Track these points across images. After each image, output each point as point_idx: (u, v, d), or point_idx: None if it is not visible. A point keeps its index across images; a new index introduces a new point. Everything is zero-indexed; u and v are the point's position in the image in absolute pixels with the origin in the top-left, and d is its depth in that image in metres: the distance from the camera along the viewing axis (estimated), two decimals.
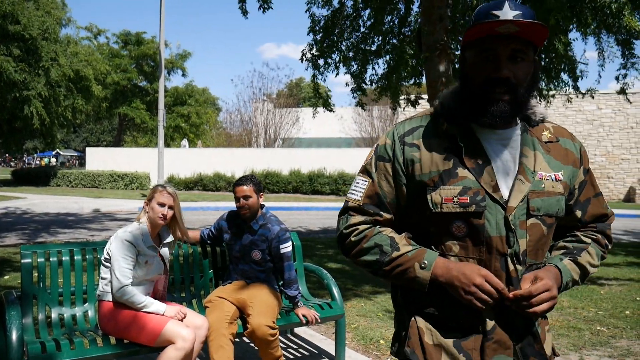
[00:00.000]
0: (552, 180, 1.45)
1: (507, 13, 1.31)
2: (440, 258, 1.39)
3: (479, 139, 1.43)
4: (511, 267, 1.38)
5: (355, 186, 1.51)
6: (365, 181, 1.49)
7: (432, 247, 1.45)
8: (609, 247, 1.59)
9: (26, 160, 53.61)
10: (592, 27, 6.48)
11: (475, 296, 1.32)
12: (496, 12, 1.31)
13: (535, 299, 1.32)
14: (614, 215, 1.63)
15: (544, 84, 8.09)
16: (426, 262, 1.38)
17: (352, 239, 1.47)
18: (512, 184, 1.41)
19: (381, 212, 1.47)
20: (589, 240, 1.55)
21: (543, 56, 7.30)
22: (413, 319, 1.47)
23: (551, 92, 8.54)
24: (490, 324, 1.39)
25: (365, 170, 1.51)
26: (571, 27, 6.65)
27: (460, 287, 1.34)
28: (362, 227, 1.46)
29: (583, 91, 8.73)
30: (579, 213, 1.55)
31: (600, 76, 8.68)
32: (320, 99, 9.44)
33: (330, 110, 9.49)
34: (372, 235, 1.45)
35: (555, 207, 1.45)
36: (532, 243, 1.42)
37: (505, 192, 1.41)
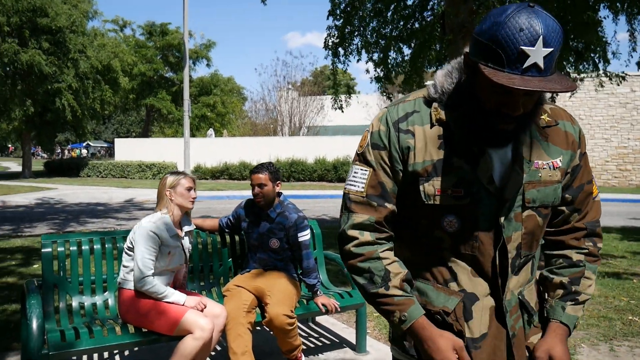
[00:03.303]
0: (550, 168, 1.37)
1: (539, 53, 1.14)
2: (421, 319, 1.33)
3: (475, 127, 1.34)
4: (505, 260, 1.34)
5: (354, 176, 1.41)
6: (366, 171, 1.38)
7: (424, 239, 1.39)
8: (600, 246, 1.51)
9: (56, 152, 54.88)
10: (622, 3, 6.19)
11: None
12: (527, 50, 1.14)
13: None
14: (599, 199, 1.54)
15: (573, 67, 7.79)
16: (406, 315, 1.33)
17: (352, 249, 1.38)
18: (508, 175, 1.33)
19: (385, 203, 1.38)
20: (582, 260, 1.47)
21: (572, 36, 7.03)
22: None
23: (581, 75, 8.21)
24: (476, 332, 1.36)
25: (363, 159, 1.40)
26: (601, 5, 6.38)
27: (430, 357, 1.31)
28: (364, 238, 1.38)
29: (613, 74, 8.35)
30: (568, 197, 1.45)
31: (632, 56, 8.27)
32: (338, 90, 9.30)
33: (340, 108, 9.33)
34: (370, 258, 1.36)
35: (552, 197, 1.38)
36: (526, 235, 1.37)
37: (500, 184, 1.33)
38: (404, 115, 1.37)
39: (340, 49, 8.61)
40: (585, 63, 7.61)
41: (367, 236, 1.37)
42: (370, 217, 1.37)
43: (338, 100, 9.28)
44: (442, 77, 1.37)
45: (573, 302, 1.44)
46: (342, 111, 9.49)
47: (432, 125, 1.35)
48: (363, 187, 1.38)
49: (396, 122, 1.37)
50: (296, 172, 23.10)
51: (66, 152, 56.05)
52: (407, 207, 1.40)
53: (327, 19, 8.31)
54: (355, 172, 1.41)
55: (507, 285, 1.36)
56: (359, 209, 1.38)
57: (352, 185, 1.40)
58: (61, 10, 22.68)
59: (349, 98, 9.55)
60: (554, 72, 1.19)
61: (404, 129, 1.36)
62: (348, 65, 8.77)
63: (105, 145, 61.68)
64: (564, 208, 1.46)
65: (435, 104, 1.36)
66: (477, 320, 1.35)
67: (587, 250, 1.47)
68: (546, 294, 1.50)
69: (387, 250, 1.38)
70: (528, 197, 1.34)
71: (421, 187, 1.34)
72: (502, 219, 1.33)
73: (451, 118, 1.33)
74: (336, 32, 8.47)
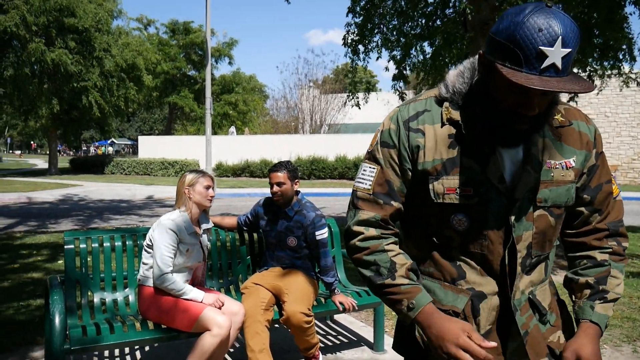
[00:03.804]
0: (563, 168, 1.36)
1: (557, 53, 1.13)
2: (429, 306, 1.33)
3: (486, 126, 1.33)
4: (514, 259, 1.33)
5: (362, 174, 1.43)
6: (374, 168, 1.40)
7: (434, 238, 1.39)
8: (626, 245, 1.47)
9: (83, 149, 55.90)
10: None
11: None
12: (545, 50, 1.13)
13: None
14: (621, 199, 1.50)
15: (598, 64, 7.61)
16: (414, 302, 1.33)
17: (357, 243, 1.40)
18: (519, 174, 1.32)
19: (392, 201, 1.39)
20: (606, 259, 1.44)
21: (597, 32, 6.88)
22: None
23: (607, 73, 8.02)
24: (481, 329, 1.36)
25: (372, 157, 1.42)
26: (626, 1, 6.22)
27: (436, 347, 1.29)
28: (369, 233, 1.39)
29: (634, 75, 8.13)
30: (587, 198, 1.43)
31: None
32: (357, 87, 9.22)
33: (357, 105, 9.25)
34: (375, 251, 1.38)
35: (565, 197, 1.36)
36: (537, 235, 1.35)
37: (511, 183, 1.32)
38: (414, 114, 1.38)
39: (360, 46, 8.56)
40: (611, 60, 7.43)
41: (372, 231, 1.39)
42: (376, 215, 1.39)
43: (355, 98, 9.21)
44: (454, 77, 1.38)
45: (602, 301, 1.41)
46: (359, 108, 9.43)
47: (442, 125, 1.35)
48: (370, 185, 1.40)
49: (406, 121, 1.38)
50: (317, 169, 23.11)
51: (92, 149, 57.04)
52: (416, 206, 1.41)
53: (347, 15, 8.28)
54: (364, 170, 1.43)
55: (517, 284, 1.35)
56: (366, 206, 1.40)
57: (360, 182, 1.43)
58: (88, 10, 23.04)
59: (368, 95, 9.49)
60: (571, 72, 1.19)
61: (414, 127, 1.36)
62: (368, 62, 8.73)
63: (129, 142, 62.55)
64: (583, 209, 1.43)
65: (446, 103, 1.36)
66: (484, 318, 1.36)
67: (611, 250, 1.44)
68: (573, 296, 1.48)
69: (392, 243, 1.40)
70: (539, 196, 1.33)
71: (430, 186, 1.35)
72: (513, 218, 1.32)
73: (463, 117, 1.33)
74: (356, 29, 8.41)
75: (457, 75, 1.38)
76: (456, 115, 1.34)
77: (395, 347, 1.51)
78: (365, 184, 1.41)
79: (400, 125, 1.38)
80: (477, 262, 1.36)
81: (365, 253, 1.39)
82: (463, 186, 1.32)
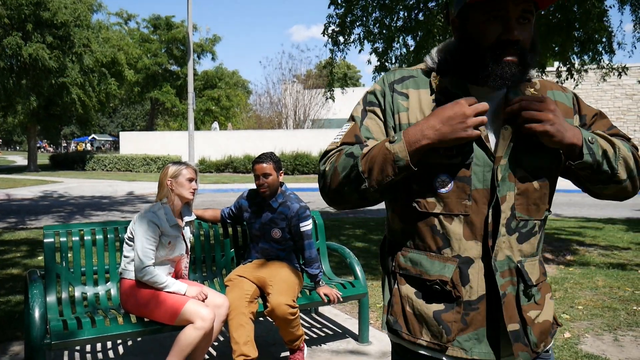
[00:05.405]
0: None
1: None
2: (407, 128, 1.30)
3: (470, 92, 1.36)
4: (497, 220, 1.32)
5: (339, 133, 1.46)
6: (348, 125, 1.44)
7: (415, 205, 1.37)
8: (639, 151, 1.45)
9: (63, 146, 55.08)
10: None
11: (472, 123, 1.23)
12: None
13: (526, 103, 1.26)
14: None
15: (577, 58, 7.66)
16: (395, 136, 1.29)
17: (327, 167, 1.38)
18: (498, 134, 1.34)
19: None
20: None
21: (577, 26, 6.94)
22: (396, 286, 1.42)
23: (585, 67, 8.08)
24: (474, 294, 1.33)
25: (350, 117, 1.46)
26: None
27: (449, 126, 1.24)
28: (331, 156, 1.41)
29: (615, 66, 8.17)
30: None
31: (635, 47, 8.09)
32: (335, 82, 9.12)
33: (331, 98, 9.18)
34: (342, 153, 1.36)
35: (547, 160, 1.37)
36: (520, 196, 1.35)
37: (493, 143, 1.34)
38: (400, 78, 1.42)
39: (340, 37, 8.49)
40: (590, 53, 7.49)
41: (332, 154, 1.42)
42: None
43: (330, 91, 9.13)
44: (435, 52, 1.44)
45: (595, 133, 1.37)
46: (333, 101, 9.37)
47: (428, 90, 1.38)
48: (340, 138, 1.43)
49: (392, 83, 1.42)
50: (300, 165, 23.08)
51: (72, 145, 56.25)
52: None
53: (329, 7, 8.22)
54: (341, 130, 1.46)
55: (499, 245, 1.32)
56: (331, 155, 1.41)
57: (334, 139, 1.46)
58: (64, 4, 22.61)
59: (342, 89, 9.46)
60: None
61: (399, 90, 1.40)
62: (347, 54, 8.66)
63: (110, 138, 61.81)
64: None
65: (434, 73, 1.40)
66: (474, 283, 1.32)
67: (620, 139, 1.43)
68: None
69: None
70: (520, 157, 1.34)
71: None
72: (497, 178, 1.31)
73: (449, 84, 1.36)
74: (337, 20, 8.34)
75: (438, 50, 1.44)
76: (442, 82, 1.37)
77: (387, 325, 1.46)
78: (337, 139, 1.44)
79: (385, 86, 1.41)
80: (462, 225, 1.33)
81: (337, 160, 1.36)
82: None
